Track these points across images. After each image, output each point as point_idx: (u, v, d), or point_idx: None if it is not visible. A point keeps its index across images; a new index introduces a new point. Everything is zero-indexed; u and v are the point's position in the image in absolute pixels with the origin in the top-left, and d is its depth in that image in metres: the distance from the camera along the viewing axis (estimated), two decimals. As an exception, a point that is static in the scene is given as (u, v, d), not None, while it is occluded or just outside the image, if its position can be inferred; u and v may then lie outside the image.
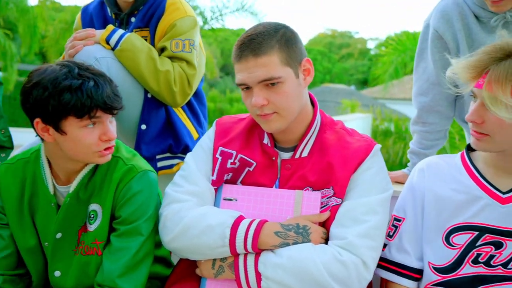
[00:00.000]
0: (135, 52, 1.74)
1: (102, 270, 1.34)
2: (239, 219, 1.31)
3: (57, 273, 1.40)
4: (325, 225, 1.35)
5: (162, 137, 1.86)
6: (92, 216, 1.39)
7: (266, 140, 1.43)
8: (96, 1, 2.00)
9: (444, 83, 1.71)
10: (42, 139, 1.35)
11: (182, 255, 1.37)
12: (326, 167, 1.36)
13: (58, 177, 1.41)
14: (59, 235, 1.39)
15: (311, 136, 1.40)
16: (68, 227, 1.39)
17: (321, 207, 1.35)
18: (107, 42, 1.76)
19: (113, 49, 1.76)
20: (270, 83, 1.28)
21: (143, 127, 1.83)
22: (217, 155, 1.43)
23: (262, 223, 1.30)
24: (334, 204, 1.34)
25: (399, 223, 1.38)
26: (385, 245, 1.38)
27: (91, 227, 1.38)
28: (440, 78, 1.71)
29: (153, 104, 1.84)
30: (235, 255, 1.30)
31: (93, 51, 1.72)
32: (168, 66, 1.78)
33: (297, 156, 1.39)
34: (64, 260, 1.40)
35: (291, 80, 1.30)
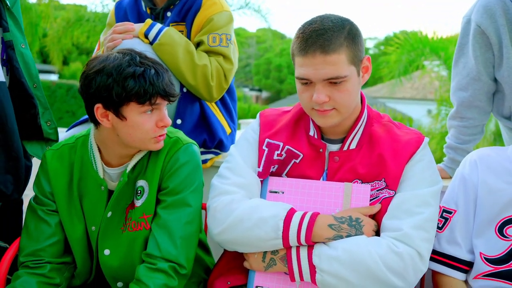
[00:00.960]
0: (173, 46, 1.74)
1: (153, 243, 1.34)
2: (292, 211, 1.30)
3: (107, 252, 1.41)
4: (375, 217, 1.34)
5: (197, 132, 1.86)
6: (139, 191, 1.40)
7: (312, 132, 1.42)
8: None
9: (485, 78, 1.72)
10: (96, 125, 1.36)
11: (231, 247, 1.36)
12: (377, 160, 1.35)
13: (108, 162, 1.42)
14: (109, 214, 1.40)
15: (359, 129, 1.39)
16: (118, 206, 1.40)
17: (371, 200, 1.34)
18: (146, 36, 1.76)
19: (151, 43, 1.76)
20: (335, 81, 1.26)
21: (178, 121, 1.83)
22: (264, 147, 1.42)
23: (315, 216, 1.28)
24: (387, 196, 1.33)
25: (450, 215, 1.38)
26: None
27: (138, 203, 1.39)
28: (480, 73, 1.71)
29: (188, 99, 1.83)
30: (287, 247, 1.29)
31: (132, 44, 1.69)
32: (206, 60, 1.77)
33: (345, 148, 1.38)
34: (113, 239, 1.40)
35: (354, 79, 1.30)
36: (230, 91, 2.01)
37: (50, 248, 1.40)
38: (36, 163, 1.70)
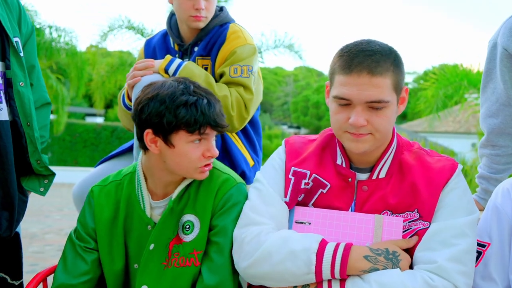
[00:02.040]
0: (192, 79, 1.76)
1: (203, 283, 1.31)
2: (323, 243, 1.24)
3: None
4: (410, 250, 1.26)
5: None
6: (187, 227, 1.38)
7: (340, 161, 1.36)
8: (159, 33, 2.05)
9: None
10: (145, 151, 1.38)
11: (260, 282, 1.29)
12: (409, 189, 1.29)
13: (153, 193, 1.42)
14: (151, 246, 1.38)
15: (388, 157, 1.34)
16: (160, 239, 1.38)
17: (404, 231, 1.27)
18: (166, 71, 1.79)
19: (171, 77, 1.78)
20: (376, 106, 1.22)
21: None
22: (290, 176, 1.38)
23: (349, 247, 1.22)
24: (421, 228, 1.25)
25: (484, 248, 1.28)
26: None
27: (188, 238, 1.37)
28: (511, 98, 1.62)
29: None
30: (319, 281, 1.23)
31: (152, 80, 1.74)
32: (225, 91, 1.78)
33: (374, 177, 1.32)
34: (153, 274, 1.37)
35: (393, 106, 1.26)
36: (254, 124, 2.01)
37: (82, 285, 1.39)
38: (32, 198, 1.70)
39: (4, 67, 1.53)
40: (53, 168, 1.74)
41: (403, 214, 1.28)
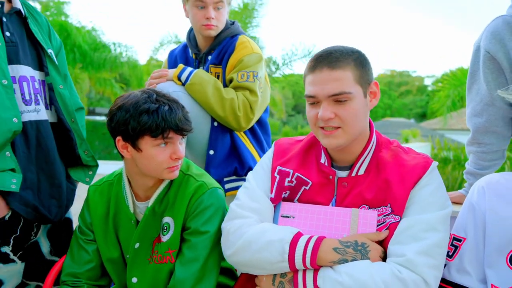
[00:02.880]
0: (202, 84, 1.74)
1: (174, 277, 1.28)
2: (298, 235, 1.18)
3: (134, 280, 1.36)
4: (383, 243, 1.18)
5: (228, 161, 1.81)
6: (165, 228, 1.34)
7: (323, 160, 1.30)
8: (181, 45, 2.05)
9: (499, 103, 1.50)
10: (122, 157, 1.35)
11: (243, 269, 1.25)
12: (383, 185, 1.20)
13: (137, 194, 1.39)
14: (137, 245, 1.36)
15: (367, 155, 1.25)
16: (144, 238, 1.36)
17: (378, 225, 1.18)
18: (179, 79, 1.77)
19: (183, 84, 1.77)
20: (339, 99, 1.16)
21: (211, 152, 1.79)
22: (275, 174, 1.33)
23: (320, 239, 1.16)
24: (393, 221, 1.17)
25: (459, 243, 1.17)
26: (444, 266, 1.17)
27: (164, 238, 1.33)
28: (494, 99, 1.49)
29: (219, 132, 1.80)
30: (294, 270, 1.17)
31: (166, 86, 1.74)
32: (232, 94, 1.76)
33: (353, 174, 1.25)
34: (140, 268, 1.35)
35: (359, 98, 1.19)
36: (262, 124, 1.96)
37: (87, 273, 1.40)
38: (80, 186, 1.73)
39: (43, 76, 1.53)
40: (99, 161, 1.74)
41: (379, 209, 1.20)
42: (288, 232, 1.19)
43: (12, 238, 1.45)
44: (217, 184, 1.38)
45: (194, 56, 1.93)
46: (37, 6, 20.28)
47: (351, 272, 1.09)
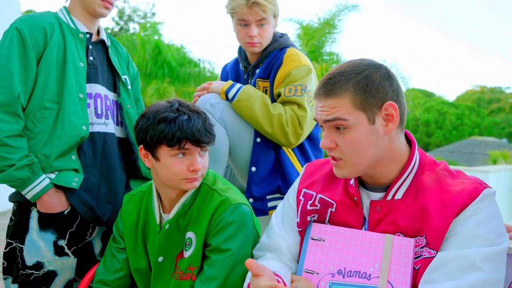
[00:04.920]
0: (250, 100, 1.69)
1: None
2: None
3: None
4: (416, 281, 1.02)
5: (271, 178, 1.73)
6: (188, 243, 1.30)
7: (352, 180, 1.17)
8: (234, 58, 2.04)
9: None
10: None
11: None
12: (420, 212, 1.04)
13: (164, 206, 1.38)
14: (160, 258, 1.33)
15: (406, 177, 1.09)
16: (168, 252, 1.32)
17: (415, 258, 1.03)
18: (226, 95, 1.74)
19: (231, 100, 1.73)
20: (337, 125, 1.05)
21: (253, 169, 1.72)
22: (300, 197, 1.24)
23: None
24: (427, 256, 1.00)
25: None
26: None
27: (186, 254, 1.29)
28: None
29: (262, 148, 1.73)
30: None
31: (209, 98, 1.72)
32: (280, 109, 1.68)
33: (389, 197, 1.10)
34: (163, 283, 1.32)
35: (362, 126, 1.04)
36: (313, 140, 1.85)
37: (117, 281, 1.41)
38: None
39: (116, 97, 1.70)
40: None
41: (415, 239, 1.04)
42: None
43: (68, 232, 1.55)
44: (242, 200, 1.31)
45: (244, 69, 1.91)
46: (136, 27, 22.23)
47: None
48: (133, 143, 1.70)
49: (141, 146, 1.29)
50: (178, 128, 1.20)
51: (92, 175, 1.57)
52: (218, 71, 11.86)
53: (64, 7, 1.65)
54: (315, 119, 1.12)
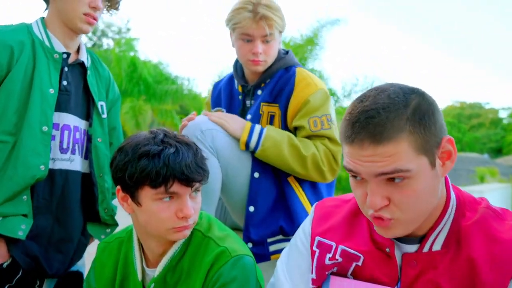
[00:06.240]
0: (277, 146, 1.49)
1: None
2: None
3: None
4: None
5: (273, 218, 1.52)
6: None
7: None
8: (227, 76, 1.84)
9: None
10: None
11: None
12: (467, 267, 0.87)
13: (147, 258, 1.16)
14: None
15: (445, 224, 0.92)
16: None
17: None
18: (247, 146, 1.52)
19: (254, 150, 1.52)
20: (393, 177, 0.83)
21: (251, 209, 1.51)
22: (315, 247, 1.03)
23: None
24: None
25: None
26: None
27: None
28: None
29: (261, 183, 1.53)
30: None
31: (199, 123, 1.51)
32: (312, 148, 1.50)
33: (425, 249, 0.92)
34: None
35: (424, 173, 0.84)
36: None
37: None
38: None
39: (87, 126, 1.53)
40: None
41: None
42: None
43: (7, 287, 1.36)
44: (244, 250, 1.11)
45: (240, 89, 1.70)
46: (111, 43, 21.94)
47: None
48: (95, 183, 1.53)
49: (118, 187, 1.09)
50: (163, 164, 1.00)
51: (44, 218, 1.41)
52: (197, 89, 11.78)
53: (41, 18, 1.48)
54: (353, 171, 0.87)
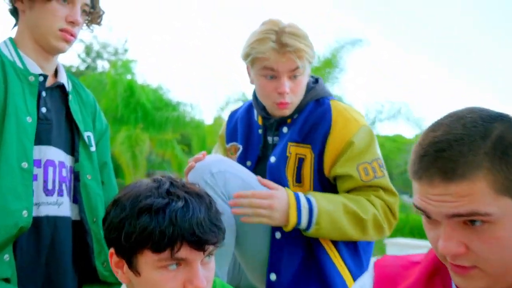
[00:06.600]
0: (334, 220, 1.36)
1: None
2: None
3: None
4: None
5: (300, 286, 1.38)
6: None
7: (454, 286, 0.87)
8: (245, 104, 1.71)
9: None
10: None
11: None
12: None
13: None
14: None
15: None
16: None
17: None
18: (297, 225, 1.37)
19: (306, 229, 1.37)
20: (470, 220, 0.76)
21: (273, 277, 1.38)
22: None
23: None
24: None
25: None
26: None
27: None
28: None
29: (283, 245, 1.40)
30: None
31: (209, 164, 1.37)
32: (371, 208, 1.38)
33: None
34: None
35: (509, 217, 0.76)
36: None
37: None
38: None
39: (73, 161, 1.44)
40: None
41: None
42: None
43: None
44: None
45: (260, 121, 1.57)
46: (106, 65, 22.37)
47: None
48: (87, 230, 1.41)
49: (112, 250, 0.97)
50: (169, 222, 0.88)
51: (32, 281, 1.29)
52: (202, 116, 11.83)
53: (10, 38, 1.41)
54: (423, 211, 0.79)
